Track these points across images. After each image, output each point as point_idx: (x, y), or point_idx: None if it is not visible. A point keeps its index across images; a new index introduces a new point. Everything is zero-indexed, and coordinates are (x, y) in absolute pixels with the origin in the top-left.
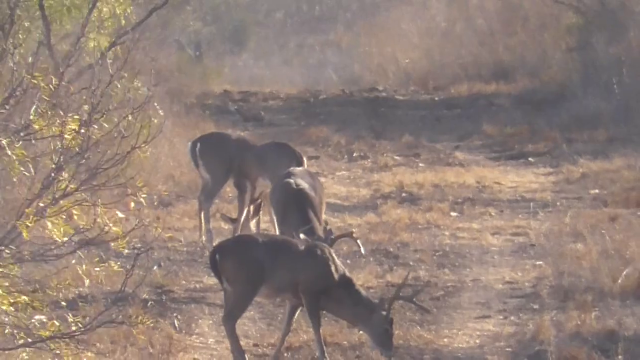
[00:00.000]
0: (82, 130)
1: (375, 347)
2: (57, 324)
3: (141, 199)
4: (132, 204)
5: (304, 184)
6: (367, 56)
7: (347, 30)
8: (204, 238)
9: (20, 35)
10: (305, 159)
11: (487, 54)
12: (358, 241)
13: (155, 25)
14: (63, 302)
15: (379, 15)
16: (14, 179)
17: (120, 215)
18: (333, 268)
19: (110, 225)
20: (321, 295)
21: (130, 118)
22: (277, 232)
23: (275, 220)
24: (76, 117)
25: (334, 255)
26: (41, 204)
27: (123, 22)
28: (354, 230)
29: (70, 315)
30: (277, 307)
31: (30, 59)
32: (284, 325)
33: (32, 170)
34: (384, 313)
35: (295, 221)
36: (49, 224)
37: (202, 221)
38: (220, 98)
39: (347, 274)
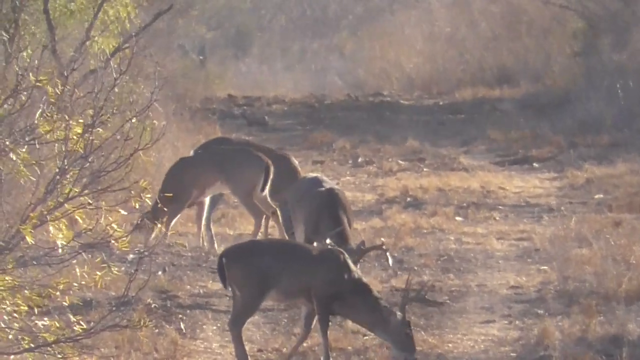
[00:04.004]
0: (86, 134)
1: (397, 353)
2: (58, 325)
3: (146, 199)
4: (136, 205)
5: (338, 192)
6: (371, 61)
7: (351, 35)
8: (206, 244)
9: (26, 38)
10: (299, 170)
11: (491, 58)
12: (387, 254)
13: (159, 30)
14: (65, 303)
15: (382, 20)
16: (21, 182)
17: (124, 213)
18: (347, 274)
19: (114, 226)
20: (335, 301)
21: (134, 121)
22: (303, 240)
23: (303, 229)
24: (80, 120)
25: (348, 260)
26: (45, 209)
27: (128, 26)
28: (383, 240)
29: (74, 318)
30: (281, 312)
31: (35, 62)
32: (301, 330)
33: (37, 175)
34: (400, 317)
35: (330, 229)
36: (51, 228)
37: (204, 227)
38: (224, 103)
39: (364, 279)
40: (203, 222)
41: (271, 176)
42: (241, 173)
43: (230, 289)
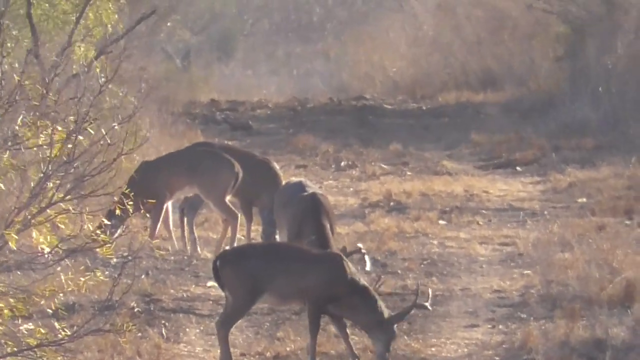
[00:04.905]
0: (70, 139)
1: (381, 352)
2: (43, 331)
3: (128, 207)
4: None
5: (320, 198)
6: (355, 65)
7: (335, 39)
8: (188, 248)
9: (9, 44)
10: (280, 175)
11: (475, 62)
12: (366, 257)
13: (142, 34)
14: (49, 310)
15: (367, 24)
16: (2, 187)
17: (107, 222)
18: (344, 276)
19: (98, 232)
20: (329, 303)
21: (117, 128)
22: None
23: (286, 234)
24: (60, 128)
25: (346, 263)
26: (28, 214)
27: (110, 30)
28: (360, 246)
29: (58, 323)
30: (264, 315)
31: (17, 65)
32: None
33: (20, 180)
34: (394, 326)
35: (312, 234)
36: (34, 233)
37: (187, 230)
38: (207, 107)
39: (363, 282)
40: (185, 226)
41: (239, 181)
42: (213, 177)
43: (224, 292)
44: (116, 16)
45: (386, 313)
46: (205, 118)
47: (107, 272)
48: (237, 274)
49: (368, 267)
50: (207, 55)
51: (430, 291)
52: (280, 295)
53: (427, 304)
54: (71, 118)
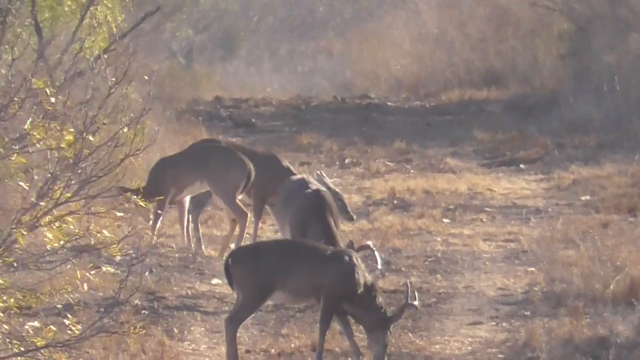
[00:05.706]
0: (79, 141)
1: (379, 351)
2: (54, 329)
3: (138, 200)
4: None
5: (324, 194)
6: (358, 63)
7: (339, 37)
8: (193, 245)
9: (15, 48)
10: (292, 169)
11: (478, 60)
12: (376, 253)
13: (146, 31)
14: (59, 306)
15: (370, 21)
16: (23, 186)
17: (119, 214)
18: (357, 274)
19: (104, 232)
20: (343, 302)
21: (126, 130)
22: None
23: (288, 231)
24: (71, 130)
25: (359, 261)
26: (36, 214)
27: (114, 28)
28: (370, 243)
29: (68, 319)
30: (269, 313)
31: (26, 65)
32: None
33: (29, 180)
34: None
35: (318, 233)
36: (48, 235)
37: (191, 228)
38: (211, 104)
39: (370, 279)
40: (190, 223)
41: (251, 180)
42: (224, 174)
43: (235, 290)
44: (121, 15)
45: (388, 312)
46: (209, 115)
47: (111, 269)
48: (249, 271)
49: (380, 265)
50: (210, 53)
51: (415, 292)
52: (294, 293)
53: (415, 303)
54: (80, 116)
